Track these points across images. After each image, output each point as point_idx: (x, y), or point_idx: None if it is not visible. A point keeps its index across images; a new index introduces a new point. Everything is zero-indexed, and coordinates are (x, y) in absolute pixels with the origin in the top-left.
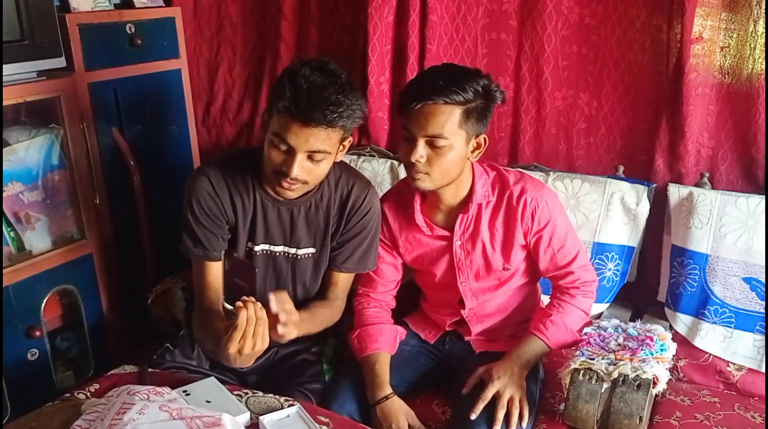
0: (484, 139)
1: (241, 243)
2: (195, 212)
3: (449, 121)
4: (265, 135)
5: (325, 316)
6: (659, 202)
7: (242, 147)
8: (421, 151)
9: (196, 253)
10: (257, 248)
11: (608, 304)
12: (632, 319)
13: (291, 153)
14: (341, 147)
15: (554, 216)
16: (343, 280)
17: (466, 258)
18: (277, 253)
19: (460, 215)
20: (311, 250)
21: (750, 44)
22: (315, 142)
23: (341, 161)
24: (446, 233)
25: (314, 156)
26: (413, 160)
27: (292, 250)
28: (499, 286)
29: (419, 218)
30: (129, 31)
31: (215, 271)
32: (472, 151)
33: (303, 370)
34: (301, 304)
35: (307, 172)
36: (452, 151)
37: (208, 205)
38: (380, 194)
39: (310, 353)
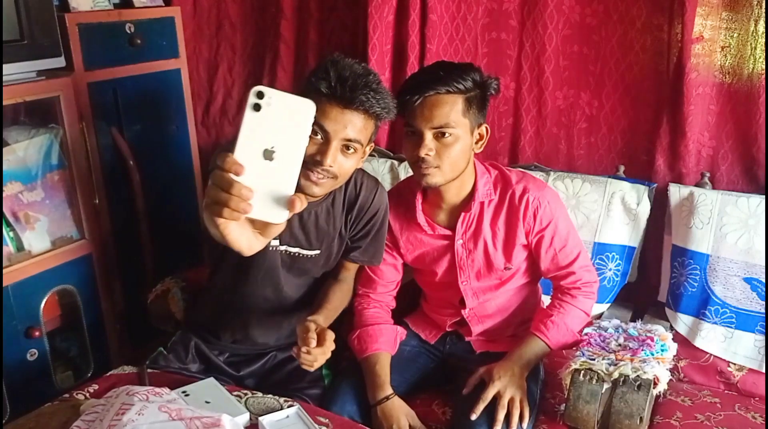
0: (486, 129)
1: None
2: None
3: (453, 110)
4: None
5: (342, 300)
6: (660, 202)
7: None
8: (430, 144)
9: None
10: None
11: (609, 305)
12: (633, 320)
13: (326, 142)
14: (366, 149)
15: (556, 216)
16: (353, 266)
17: (468, 257)
18: (282, 252)
19: (463, 214)
20: (316, 252)
21: (751, 44)
22: (352, 130)
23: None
24: (448, 232)
25: (348, 146)
26: (422, 155)
27: (293, 250)
28: (500, 285)
29: (421, 218)
30: (128, 31)
31: None
32: (476, 142)
33: (302, 376)
34: (306, 296)
35: (338, 165)
36: (459, 142)
37: None
38: None
39: None
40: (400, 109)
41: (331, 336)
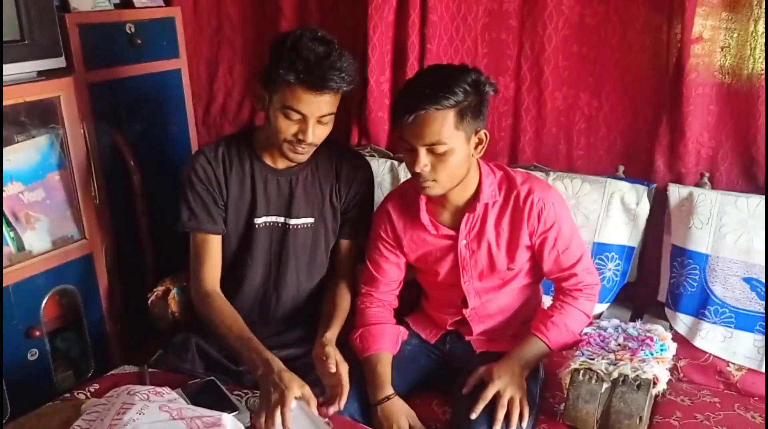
0: (485, 133)
1: (242, 218)
2: (192, 184)
3: (444, 125)
4: (265, 109)
5: (347, 299)
6: (659, 202)
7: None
8: (424, 160)
9: (191, 226)
10: (259, 221)
11: (608, 304)
12: (632, 319)
13: (304, 121)
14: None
15: (560, 217)
16: (344, 249)
17: (471, 257)
18: (278, 224)
19: (467, 214)
20: (309, 220)
21: (750, 44)
22: (325, 107)
23: (332, 140)
24: (452, 232)
25: (323, 119)
26: (418, 170)
27: (291, 221)
28: (503, 286)
29: (425, 217)
30: (129, 31)
31: (213, 245)
32: (475, 148)
33: (303, 375)
34: (306, 280)
35: (319, 136)
36: (454, 154)
37: (206, 176)
38: (381, 195)
39: (310, 358)
40: (394, 124)
41: (345, 369)
